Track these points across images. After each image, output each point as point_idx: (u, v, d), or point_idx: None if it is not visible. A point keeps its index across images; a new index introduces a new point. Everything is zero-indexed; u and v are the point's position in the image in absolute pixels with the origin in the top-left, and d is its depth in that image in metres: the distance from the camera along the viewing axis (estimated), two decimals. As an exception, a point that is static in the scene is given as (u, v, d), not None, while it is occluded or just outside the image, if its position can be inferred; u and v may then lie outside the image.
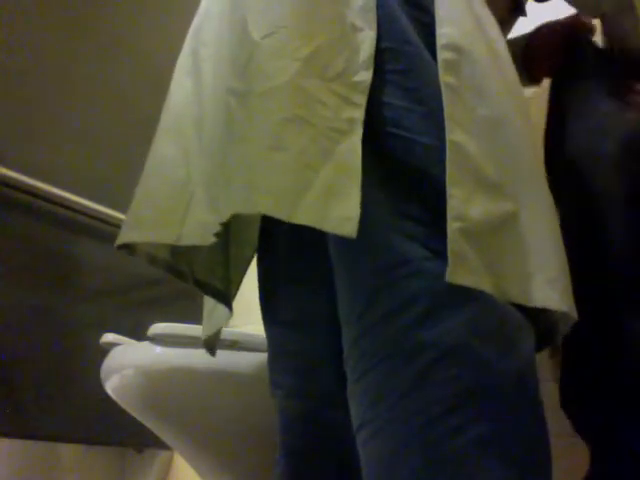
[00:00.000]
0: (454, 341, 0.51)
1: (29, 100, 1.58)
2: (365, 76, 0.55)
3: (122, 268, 1.72)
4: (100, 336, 1.21)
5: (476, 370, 0.51)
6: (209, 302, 0.81)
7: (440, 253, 0.52)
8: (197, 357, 1.09)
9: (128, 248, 0.66)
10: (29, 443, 1.65)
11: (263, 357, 0.82)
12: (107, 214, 1.65)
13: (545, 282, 0.54)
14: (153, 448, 1.78)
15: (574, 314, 0.56)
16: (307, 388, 0.73)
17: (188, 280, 0.74)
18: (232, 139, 0.56)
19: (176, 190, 0.61)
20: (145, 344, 1.11)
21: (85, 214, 1.64)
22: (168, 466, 1.86)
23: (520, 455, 0.50)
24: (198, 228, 0.57)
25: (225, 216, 0.54)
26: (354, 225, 0.49)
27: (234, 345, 1.12)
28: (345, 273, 0.58)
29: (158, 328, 1.09)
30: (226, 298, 0.79)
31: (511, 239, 0.54)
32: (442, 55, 0.57)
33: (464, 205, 0.52)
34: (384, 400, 0.52)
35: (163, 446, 1.32)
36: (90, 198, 1.64)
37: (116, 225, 1.65)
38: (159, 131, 0.68)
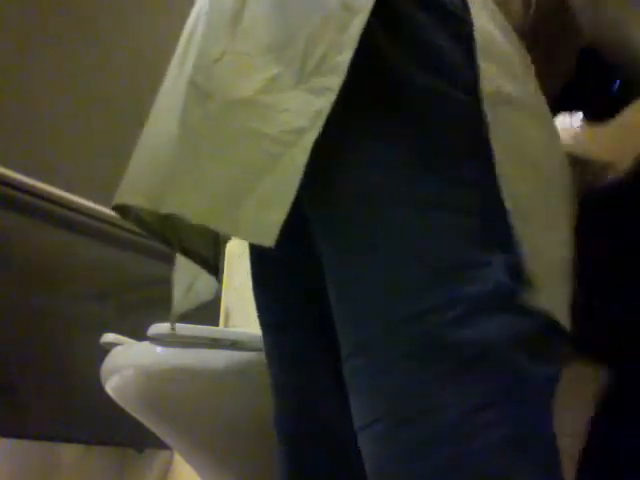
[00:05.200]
0: (493, 341, 0.52)
1: (29, 100, 1.58)
2: (347, 55, 0.54)
3: (122, 268, 1.72)
4: (100, 336, 1.21)
5: (511, 371, 0.52)
6: (184, 278, 0.81)
7: (493, 257, 0.54)
8: (197, 357, 1.09)
9: (121, 210, 0.66)
10: (29, 443, 1.66)
11: (263, 357, 0.83)
12: (107, 214, 1.65)
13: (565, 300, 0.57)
14: (153, 448, 1.78)
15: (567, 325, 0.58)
16: (301, 383, 0.74)
17: (175, 247, 0.75)
18: (186, 138, 0.57)
19: (167, 162, 0.60)
20: (145, 344, 1.11)
21: (85, 214, 1.64)
22: (168, 466, 1.86)
23: (544, 459, 0.52)
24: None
25: (164, 210, 0.55)
26: (271, 235, 0.50)
27: (234, 345, 1.12)
28: (369, 266, 0.57)
29: (158, 328, 1.09)
30: (214, 267, 0.79)
31: (555, 273, 0.57)
32: (486, 88, 0.56)
33: (533, 239, 0.54)
34: (414, 392, 0.52)
35: (163, 446, 1.32)
36: (90, 198, 1.64)
37: (116, 225, 1.65)
38: (164, 99, 0.67)
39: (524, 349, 0.53)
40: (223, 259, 0.81)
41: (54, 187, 1.57)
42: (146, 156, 0.63)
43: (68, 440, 1.64)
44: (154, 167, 0.60)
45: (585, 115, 0.92)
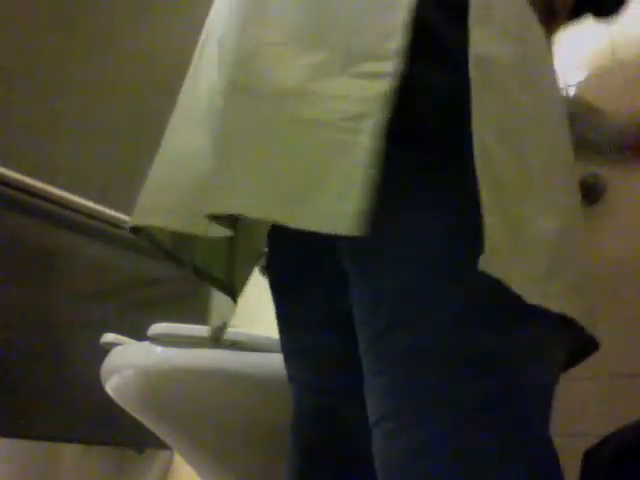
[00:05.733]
0: (495, 343, 0.52)
1: (29, 100, 1.58)
2: (399, 40, 0.52)
3: (122, 268, 1.72)
4: (100, 336, 1.21)
5: (513, 373, 0.52)
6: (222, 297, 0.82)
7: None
8: (197, 357, 1.09)
9: (134, 229, 0.66)
10: (29, 443, 1.66)
11: (263, 357, 0.83)
12: (107, 214, 1.65)
13: (565, 289, 0.53)
14: (153, 448, 1.78)
15: (592, 330, 0.55)
16: (321, 383, 0.74)
17: (187, 267, 0.74)
18: (236, 136, 0.56)
19: (201, 180, 0.60)
20: (145, 344, 1.11)
21: (85, 214, 1.64)
22: (168, 466, 1.86)
23: (545, 459, 0.52)
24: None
25: (221, 211, 0.54)
26: (354, 225, 0.47)
27: (234, 345, 1.12)
28: (372, 269, 0.57)
29: (158, 328, 1.09)
30: (228, 288, 0.79)
31: (533, 243, 0.53)
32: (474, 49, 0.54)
33: (499, 206, 0.51)
34: (414, 393, 0.52)
35: (163, 446, 1.32)
36: (90, 198, 1.64)
37: (116, 225, 1.65)
38: (181, 117, 0.67)
39: (525, 353, 0.53)
40: (245, 279, 0.81)
41: (54, 187, 1.57)
42: (174, 172, 0.63)
43: (68, 440, 1.64)
44: (192, 178, 0.60)
45: (596, 13, 0.90)
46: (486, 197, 0.50)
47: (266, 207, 0.51)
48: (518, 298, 0.51)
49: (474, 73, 0.53)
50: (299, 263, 0.74)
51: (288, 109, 0.53)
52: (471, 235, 0.52)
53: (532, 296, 0.50)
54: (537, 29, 0.63)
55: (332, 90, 0.52)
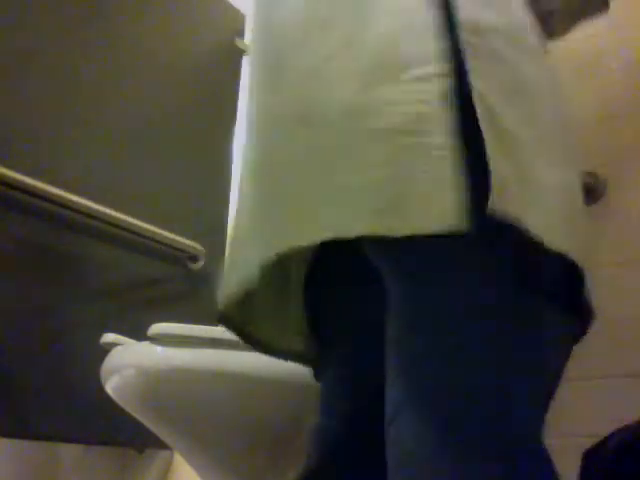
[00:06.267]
0: (492, 346, 0.52)
1: (30, 100, 1.58)
2: (445, 39, 0.52)
3: (122, 268, 1.72)
4: (100, 336, 1.21)
5: (505, 375, 0.53)
6: None
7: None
8: (197, 357, 1.09)
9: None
10: (29, 443, 1.65)
11: (264, 357, 0.83)
12: (107, 214, 1.65)
13: (579, 238, 0.54)
14: (153, 448, 1.78)
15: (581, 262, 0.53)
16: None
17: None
18: (302, 165, 0.56)
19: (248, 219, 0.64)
20: (145, 344, 1.11)
21: (85, 214, 1.64)
22: (168, 466, 1.86)
23: (535, 462, 0.52)
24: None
25: (305, 242, 0.54)
26: (454, 219, 0.47)
27: (234, 345, 1.12)
28: (403, 280, 0.58)
29: (158, 328, 1.09)
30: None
31: (547, 191, 0.52)
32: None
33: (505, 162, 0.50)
34: (413, 396, 0.53)
35: (163, 446, 1.32)
36: (90, 198, 1.64)
37: (116, 225, 1.64)
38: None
39: (523, 351, 0.53)
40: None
41: (54, 187, 1.57)
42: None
43: (68, 440, 1.64)
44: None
45: None
46: (492, 147, 0.50)
47: (378, 222, 0.50)
48: (517, 298, 0.51)
49: (467, 40, 0.53)
50: (347, 282, 0.76)
51: (356, 124, 0.53)
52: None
53: (553, 241, 0.50)
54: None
55: (388, 97, 0.52)
